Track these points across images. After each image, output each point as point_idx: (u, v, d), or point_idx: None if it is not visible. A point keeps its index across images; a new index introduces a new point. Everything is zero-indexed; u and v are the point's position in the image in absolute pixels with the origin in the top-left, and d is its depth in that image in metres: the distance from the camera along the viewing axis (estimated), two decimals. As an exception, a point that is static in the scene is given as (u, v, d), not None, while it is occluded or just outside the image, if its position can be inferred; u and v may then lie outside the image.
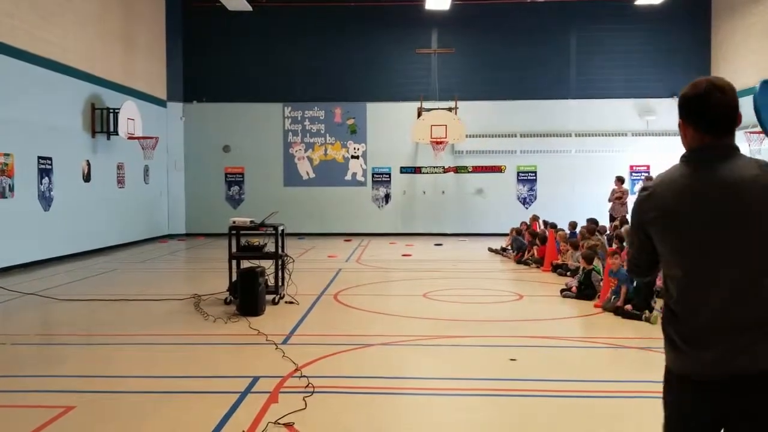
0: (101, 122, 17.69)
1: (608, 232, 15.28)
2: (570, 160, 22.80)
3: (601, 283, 9.99)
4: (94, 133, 17.44)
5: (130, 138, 18.25)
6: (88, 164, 17.18)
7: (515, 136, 22.93)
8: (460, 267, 14.81)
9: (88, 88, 17.23)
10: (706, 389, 2.44)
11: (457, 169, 23.10)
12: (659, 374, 2.72)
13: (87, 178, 17.10)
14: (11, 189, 13.75)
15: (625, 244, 10.82)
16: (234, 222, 10.08)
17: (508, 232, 17.75)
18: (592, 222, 14.92)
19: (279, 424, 4.87)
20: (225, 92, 23.08)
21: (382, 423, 5.10)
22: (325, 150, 23.32)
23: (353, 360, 6.91)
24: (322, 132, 23.31)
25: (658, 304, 9.05)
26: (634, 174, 22.41)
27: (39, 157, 14.81)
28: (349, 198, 23.20)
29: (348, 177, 23.32)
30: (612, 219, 17.96)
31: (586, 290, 10.27)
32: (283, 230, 10.37)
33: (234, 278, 9.71)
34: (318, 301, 10.23)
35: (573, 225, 15.72)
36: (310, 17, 22.91)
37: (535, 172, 23.10)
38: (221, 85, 23.04)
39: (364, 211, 23.24)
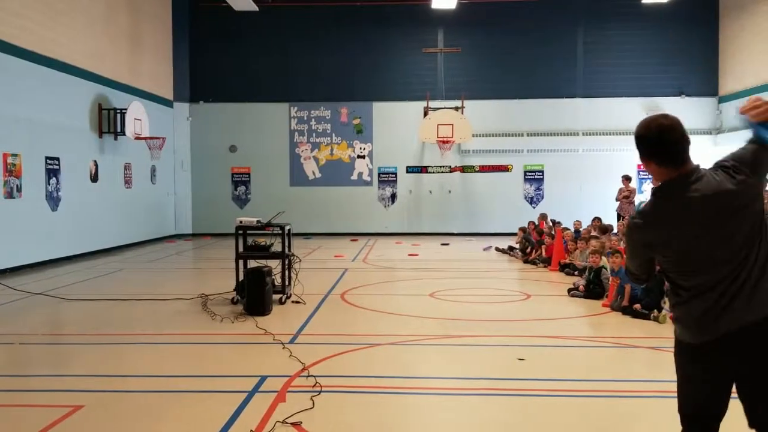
0: (108, 122, 17.73)
1: (616, 230, 15.24)
2: (577, 159, 22.75)
3: (610, 282, 9.96)
4: (101, 134, 17.48)
5: (137, 138, 18.30)
6: (96, 164, 17.23)
7: (522, 135, 22.90)
8: (466, 266, 14.78)
9: (95, 88, 17.27)
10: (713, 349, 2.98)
11: (464, 169, 23.08)
12: (669, 374, 2.79)
13: (94, 178, 17.15)
14: (19, 189, 13.80)
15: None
16: (241, 222, 10.08)
17: (514, 231, 17.73)
18: (598, 221, 14.88)
19: (287, 423, 4.86)
20: (231, 92, 23.11)
21: (390, 422, 5.09)
22: (332, 150, 23.32)
23: (360, 359, 6.90)
24: (329, 132, 23.31)
25: (667, 303, 9.03)
26: (641, 173, 22.34)
27: (46, 158, 14.86)
28: (355, 198, 23.20)
29: (354, 177, 23.32)
30: (620, 218, 17.91)
31: (594, 289, 10.24)
32: (289, 230, 10.37)
33: (241, 278, 9.71)
34: (325, 301, 10.23)
35: (579, 224, 15.68)
36: (316, 17, 22.92)
37: (542, 171, 23.06)
38: (228, 85, 23.07)
39: (371, 210, 23.24)
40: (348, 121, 23.25)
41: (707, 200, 2.91)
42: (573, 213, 18.46)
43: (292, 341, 7.52)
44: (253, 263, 9.82)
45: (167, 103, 22.24)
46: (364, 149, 23.28)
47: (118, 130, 17.95)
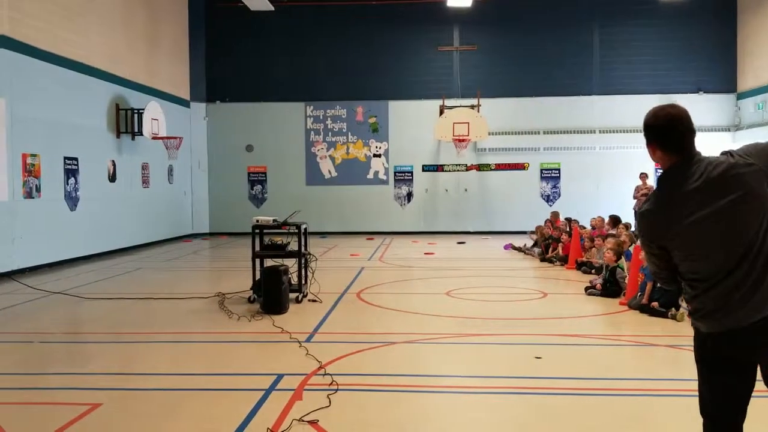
0: (126, 123, 17.85)
1: (634, 228, 15.13)
2: (594, 157, 22.63)
3: (626, 281, 9.89)
4: (118, 134, 17.60)
5: (154, 138, 18.41)
6: (113, 164, 17.35)
7: (538, 133, 22.80)
8: (483, 265, 14.75)
9: (113, 88, 17.39)
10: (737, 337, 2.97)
11: (480, 167, 23.02)
12: (687, 372, 2.79)
13: (112, 178, 17.27)
14: (38, 189, 13.92)
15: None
16: (257, 221, 10.11)
17: (530, 229, 17.65)
18: (617, 219, 14.78)
19: (303, 421, 4.87)
20: (247, 92, 23.19)
21: (407, 421, 5.09)
22: (347, 149, 23.34)
23: (377, 358, 6.90)
24: (344, 131, 23.33)
25: (685, 301, 8.95)
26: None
27: (65, 158, 14.98)
28: (371, 196, 23.20)
29: (370, 175, 23.32)
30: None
31: (611, 288, 10.18)
32: (305, 229, 10.38)
33: (258, 277, 9.75)
34: (341, 300, 10.24)
35: (596, 222, 15.57)
36: (331, 16, 22.95)
37: (559, 170, 22.95)
38: (244, 85, 23.15)
39: (387, 209, 23.23)
40: (364, 119, 23.25)
41: (712, 181, 2.95)
42: (590, 211, 18.35)
43: (308, 340, 7.54)
44: (269, 262, 9.85)
45: (184, 103, 22.35)
46: (380, 148, 23.28)
47: (136, 130, 18.06)
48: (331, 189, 23.24)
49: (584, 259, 13.20)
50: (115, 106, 17.48)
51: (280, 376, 6.06)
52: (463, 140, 20.88)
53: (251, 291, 10.00)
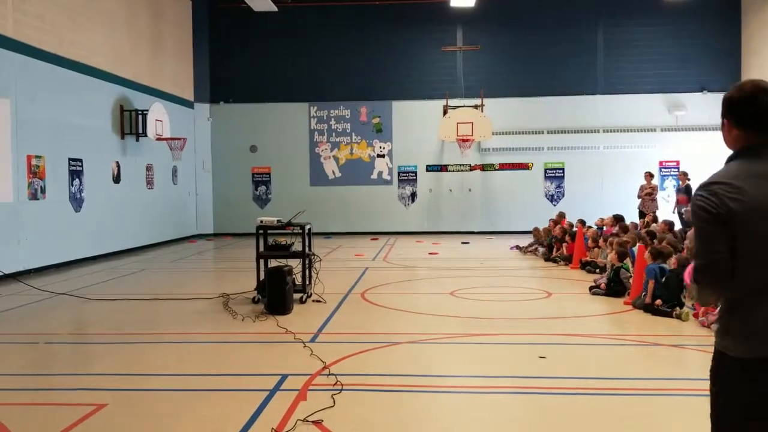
0: (130, 124, 17.88)
1: (639, 228, 15.11)
2: (598, 157, 22.61)
3: (631, 280, 9.88)
4: (123, 135, 17.64)
5: (158, 139, 18.44)
6: (118, 165, 17.39)
7: (542, 132, 22.78)
8: (487, 265, 14.74)
9: (117, 90, 17.43)
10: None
11: (484, 167, 23.01)
12: (691, 372, 2.73)
13: (117, 179, 17.31)
14: (43, 190, 13.96)
15: (686, 243, 10.26)
16: (261, 221, 10.12)
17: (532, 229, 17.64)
18: (621, 218, 14.77)
19: (308, 421, 4.88)
20: (251, 93, 23.21)
21: (411, 421, 5.09)
22: (351, 149, 23.35)
23: (381, 358, 6.91)
24: (348, 131, 23.34)
25: (689, 300, 8.94)
26: (663, 170, 22.16)
27: (69, 159, 15.02)
28: (375, 197, 23.21)
29: (374, 176, 23.33)
30: (642, 215, 17.75)
31: (615, 287, 10.17)
32: (309, 229, 10.40)
33: (262, 277, 9.76)
34: (345, 300, 10.25)
35: (602, 221, 15.57)
36: (334, 17, 22.96)
37: (563, 169, 22.93)
38: (247, 85, 23.18)
39: (391, 209, 23.24)
40: (367, 120, 23.26)
41: None
42: (594, 211, 18.32)
43: (312, 340, 7.55)
44: (273, 263, 9.87)
45: (188, 104, 22.38)
46: (383, 148, 23.29)
47: (140, 131, 18.10)
48: (335, 189, 23.25)
49: (588, 258, 13.19)
50: (119, 108, 17.52)
51: (284, 377, 6.07)
52: (467, 140, 20.87)
53: (255, 291, 10.02)
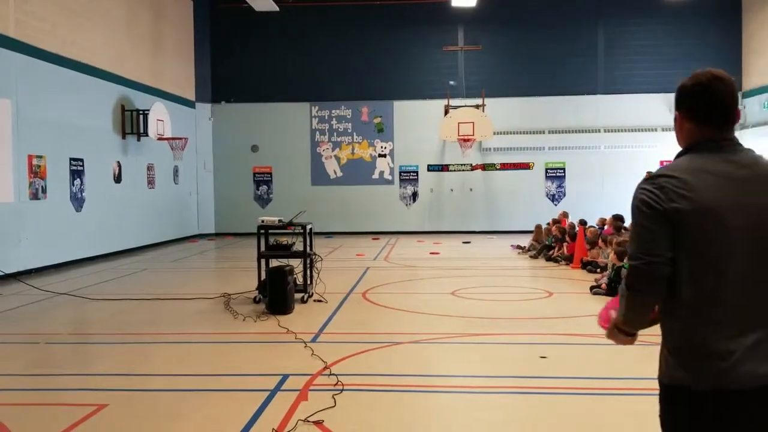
0: (131, 124, 17.89)
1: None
2: (599, 156, 22.61)
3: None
4: (124, 135, 17.64)
5: (159, 139, 18.45)
6: (119, 165, 17.39)
7: (543, 132, 22.78)
8: (488, 265, 14.73)
9: (118, 90, 17.44)
10: (735, 401, 2.18)
11: (485, 167, 23.00)
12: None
13: (118, 179, 17.32)
14: (44, 190, 13.97)
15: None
16: (262, 221, 10.12)
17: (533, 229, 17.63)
18: (618, 218, 14.75)
19: (309, 421, 4.88)
20: (252, 92, 23.22)
21: (412, 421, 5.09)
22: (353, 149, 23.35)
23: (382, 358, 6.91)
24: (349, 131, 23.34)
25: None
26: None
27: (71, 159, 15.03)
28: (376, 196, 23.21)
29: (375, 175, 23.33)
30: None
31: (616, 287, 10.15)
32: (311, 229, 10.40)
33: (263, 277, 9.76)
34: (346, 300, 10.25)
35: (602, 221, 15.55)
36: (336, 17, 22.96)
37: (564, 169, 22.92)
38: (249, 85, 23.18)
39: (392, 209, 23.24)
40: (369, 120, 23.26)
41: (759, 180, 2.26)
42: (595, 210, 18.31)
43: (314, 340, 7.55)
44: (275, 262, 9.87)
45: (189, 104, 22.39)
46: (385, 148, 23.29)
47: (141, 131, 18.11)
48: (337, 189, 23.26)
49: (589, 258, 13.17)
50: (121, 107, 17.52)
51: (285, 377, 6.07)
52: (468, 140, 20.87)
53: (257, 291, 10.02)
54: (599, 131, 22.62)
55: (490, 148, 22.76)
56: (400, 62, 22.99)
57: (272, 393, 5.62)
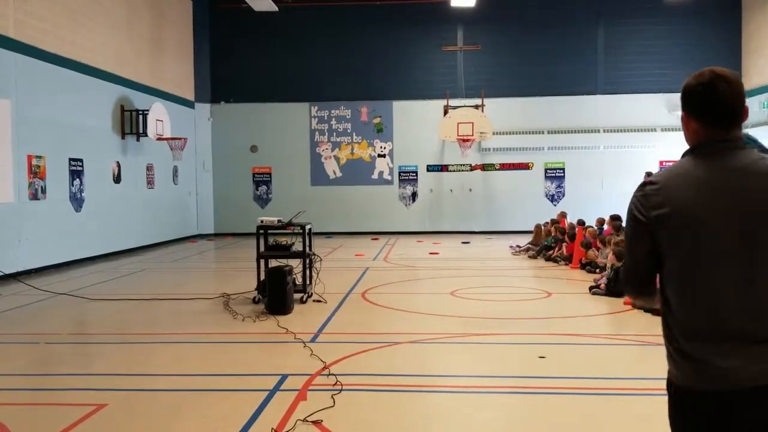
0: (131, 124, 17.89)
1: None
2: (598, 157, 22.61)
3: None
4: (123, 135, 17.64)
5: (158, 139, 18.45)
6: (118, 165, 17.40)
7: (543, 132, 22.79)
8: (487, 265, 14.74)
9: (118, 90, 17.44)
10: (730, 401, 2.20)
11: (484, 167, 23.01)
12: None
13: (117, 179, 17.32)
14: (43, 190, 13.97)
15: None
16: (262, 221, 10.13)
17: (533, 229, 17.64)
18: (616, 218, 14.76)
19: (308, 421, 4.88)
20: (252, 93, 23.22)
21: (411, 421, 5.10)
22: (352, 149, 23.36)
23: (381, 358, 6.91)
24: (349, 131, 23.35)
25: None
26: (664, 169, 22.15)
27: (70, 159, 15.03)
28: (376, 197, 23.22)
29: (375, 176, 23.34)
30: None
31: (615, 287, 10.16)
32: (310, 229, 10.41)
33: (262, 277, 9.76)
34: (346, 300, 10.25)
35: (601, 221, 15.56)
36: (335, 17, 22.96)
37: (563, 169, 22.93)
38: (248, 85, 23.19)
39: (391, 209, 23.25)
40: (368, 120, 23.27)
41: (749, 183, 2.24)
42: (594, 211, 18.31)
43: (313, 340, 7.55)
44: (274, 262, 9.87)
45: (188, 104, 22.39)
46: (384, 148, 23.29)
47: (141, 131, 18.11)
48: (336, 189, 23.26)
49: (587, 259, 13.18)
50: (120, 108, 17.52)
51: (284, 377, 6.07)
52: (468, 140, 20.88)
53: (256, 291, 10.03)
54: (598, 131, 22.62)
55: (489, 149, 22.76)
56: (399, 62, 23.00)
57: (271, 393, 5.63)
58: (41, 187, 13.90)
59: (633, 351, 7.36)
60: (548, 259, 14.93)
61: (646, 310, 8.87)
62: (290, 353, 6.99)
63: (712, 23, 22.15)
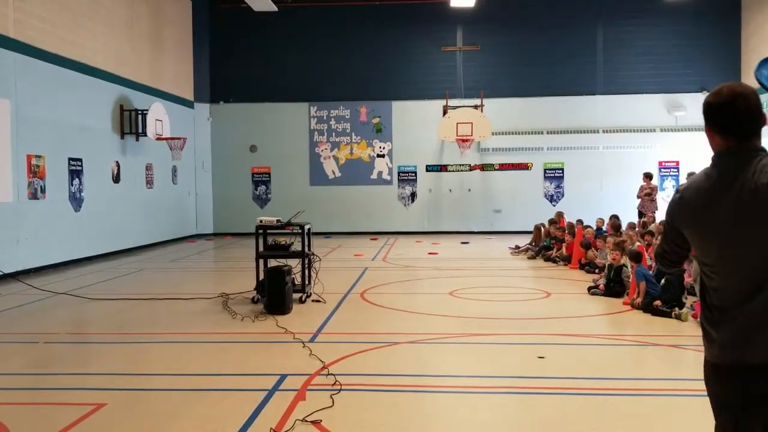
0: (130, 123, 17.90)
1: (638, 228, 15.12)
2: (597, 157, 22.62)
3: (631, 280, 9.89)
4: (123, 135, 17.65)
5: (158, 139, 18.45)
6: (118, 165, 17.40)
7: (542, 132, 22.80)
8: (486, 265, 14.75)
9: (117, 90, 17.44)
10: (737, 375, 2.58)
11: (484, 167, 23.02)
12: (689, 372, 2.77)
13: (116, 179, 17.32)
14: (43, 190, 13.97)
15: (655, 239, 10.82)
16: (261, 221, 10.13)
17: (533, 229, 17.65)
18: (616, 219, 14.80)
19: (306, 421, 4.89)
20: (251, 93, 23.23)
21: (410, 421, 5.10)
22: (351, 149, 23.36)
23: (380, 358, 6.92)
24: (348, 131, 23.36)
25: (689, 300, 8.97)
26: (662, 170, 22.16)
27: (69, 159, 15.03)
28: (375, 197, 23.22)
29: (374, 176, 23.34)
30: (641, 215, 17.77)
31: (614, 287, 10.17)
32: (309, 229, 10.41)
33: (261, 277, 9.77)
34: (344, 300, 10.26)
35: (600, 222, 15.60)
36: (334, 16, 22.97)
37: (563, 169, 22.94)
38: (247, 85, 23.19)
39: (390, 209, 23.25)
40: (367, 120, 23.27)
41: (754, 190, 2.53)
42: (593, 211, 18.34)
43: (312, 340, 7.56)
44: (273, 262, 9.87)
45: (188, 104, 22.39)
46: (383, 148, 23.30)
47: (140, 131, 18.11)
48: (335, 189, 23.26)
49: (586, 259, 13.19)
50: (120, 107, 17.53)
51: (283, 377, 6.08)
52: (467, 140, 20.88)
53: (255, 291, 10.03)
54: (598, 132, 22.62)
55: (488, 149, 22.77)
56: (398, 62, 23.01)
57: (270, 393, 5.63)
58: (40, 186, 13.90)
59: (632, 351, 7.37)
60: (547, 259, 14.94)
61: (645, 310, 8.89)
62: (289, 353, 6.99)
63: (712, 24, 22.16)
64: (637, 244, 11.46)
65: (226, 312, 9.29)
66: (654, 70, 22.34)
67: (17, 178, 13.15)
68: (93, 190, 15.94)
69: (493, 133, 21.47)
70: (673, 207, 2.84)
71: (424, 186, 23.25)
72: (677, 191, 2.84)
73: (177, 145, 19.34)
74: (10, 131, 12.91)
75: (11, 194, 12.94)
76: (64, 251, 14.75)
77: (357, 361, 6.69)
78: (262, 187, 23.52)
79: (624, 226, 14.39)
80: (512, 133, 22.76)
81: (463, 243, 19.79)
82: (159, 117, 18.49)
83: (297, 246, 10.18)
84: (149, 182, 19.27)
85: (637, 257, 9.97)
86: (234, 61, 23.08)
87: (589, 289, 10.64)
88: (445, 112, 21.71)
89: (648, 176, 18.73)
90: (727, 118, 2.66)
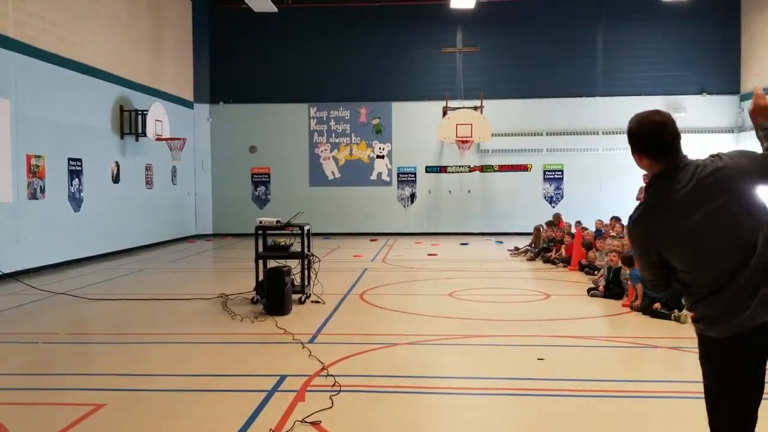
0: (130, 124, 17.89)
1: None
2: (597, 159, 22.62)
3: (629, 283, 9.89)
4: (122, 135, 17.64)
5: (157, 139, 18.45)
6: (117, 165, 17.39)
7: (541, 134, 22.81)
8: (486, 266, 14.75)
9: (117, 90, 17.44)
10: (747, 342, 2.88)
11: (483, 169, 23.02)
12: (688, 374, 2.77)
13: (116, 179, 17.32)
14: (42, 190, 13.96)
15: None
16: (260, 222, 10.13)
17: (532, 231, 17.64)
18: (616, 220, 14.79)
19: (306, 422, 4.89)
20: (251, 93, 23.23)
21: (409, 422, 5.10)
22: (351, 150, 23.37)
23: (379, 359, 6.92)
24: (348, 132, 23.36)
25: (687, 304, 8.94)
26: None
27: (69, 159, 15.03)
28: (374, 198, 23.22)
29: (373, 177, 23.34)
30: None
31: (614, 289, 10.18)
32: (309, 230, 10.41)
33: (261, 278, 9.77)
34: (344, 301, 10.26)
35: (600, 224, 15.59)
36: (334, 17, 22.98)
37: (562, 171, 22.94)
38: (247, 86, 23.19)
39: (390, 210, 23.25)
40: (367, 121, 23.28)
41: (702, 185, 2.93)
42: (593, 212, 18.34)
43: (311, 341, 7.56)
44: (272, 263, 9.87)
45: (188, 105, 22.39)
46: (383, 149, 23.30)
47: (140, 131, 18.11)
48: (335, 190, 23.27)
49: (587, 260, 13.19)
50: (119, 108, 17.53)
51: (282, 377, 6.08)
52: (466, 141, 20.89)
53: (254, 292, 10.03)
54: (597, 133, 22.63)
55: (488, 150, 22.78)
56: (398, 63, 23.01)
57: (270, 393, 5.63)
58: (40, 186, 13.90)
59: (631, 353, 7.37)
60: (546, 260, 14.94)
61: (644, 312, 8.90)
62: (289, 354, 6.99)
63: (711, 26, 22.17)
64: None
65: (225, 312, 9.29)
66: (654, 72, 22.35)
67: (17, 178, 13.14)
68: (93, 190, 15.94)
69: (492, 135, 21.46)
70: (638, 225, 3.08)
71: (424, 187, 23.26)
72: (636, 222, 3.08)
73: (177, 146, 19.35)
74: (9, 131, 12.90)
75: (11, 194, 12.94)
76: (64, 251, 14.75)
77: (356, 362, 6.69)
78: (262, 188, 23.52)
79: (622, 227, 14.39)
80: (512, 135, 22.76)
81: (462, 244, 19.78)
82: (159, 117, 18.49)
83: (296, 247, 10.18)
84: (149, 182, 19.27)
85: (630, 261, 9.98)
86: (234, 62, 23.09)
87: (589, 290, 10.65)
88: (444, 114, 21.71)
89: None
90: (656, 147, 3.03)
